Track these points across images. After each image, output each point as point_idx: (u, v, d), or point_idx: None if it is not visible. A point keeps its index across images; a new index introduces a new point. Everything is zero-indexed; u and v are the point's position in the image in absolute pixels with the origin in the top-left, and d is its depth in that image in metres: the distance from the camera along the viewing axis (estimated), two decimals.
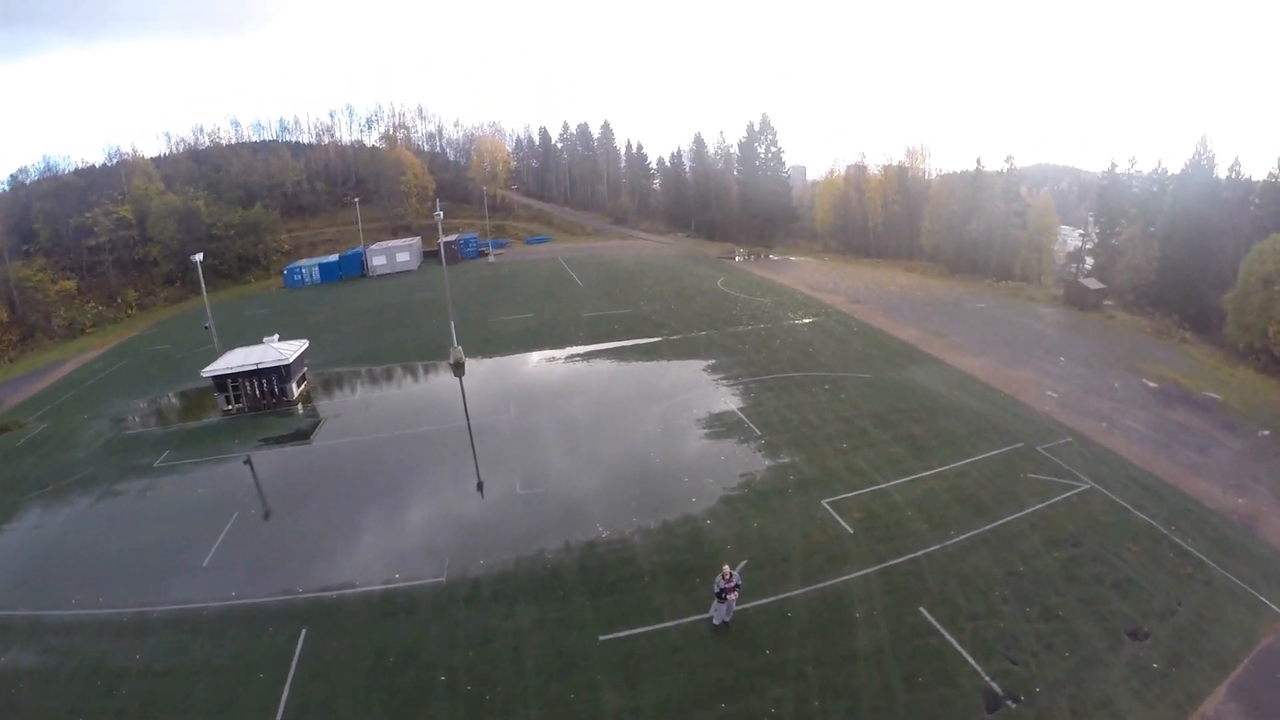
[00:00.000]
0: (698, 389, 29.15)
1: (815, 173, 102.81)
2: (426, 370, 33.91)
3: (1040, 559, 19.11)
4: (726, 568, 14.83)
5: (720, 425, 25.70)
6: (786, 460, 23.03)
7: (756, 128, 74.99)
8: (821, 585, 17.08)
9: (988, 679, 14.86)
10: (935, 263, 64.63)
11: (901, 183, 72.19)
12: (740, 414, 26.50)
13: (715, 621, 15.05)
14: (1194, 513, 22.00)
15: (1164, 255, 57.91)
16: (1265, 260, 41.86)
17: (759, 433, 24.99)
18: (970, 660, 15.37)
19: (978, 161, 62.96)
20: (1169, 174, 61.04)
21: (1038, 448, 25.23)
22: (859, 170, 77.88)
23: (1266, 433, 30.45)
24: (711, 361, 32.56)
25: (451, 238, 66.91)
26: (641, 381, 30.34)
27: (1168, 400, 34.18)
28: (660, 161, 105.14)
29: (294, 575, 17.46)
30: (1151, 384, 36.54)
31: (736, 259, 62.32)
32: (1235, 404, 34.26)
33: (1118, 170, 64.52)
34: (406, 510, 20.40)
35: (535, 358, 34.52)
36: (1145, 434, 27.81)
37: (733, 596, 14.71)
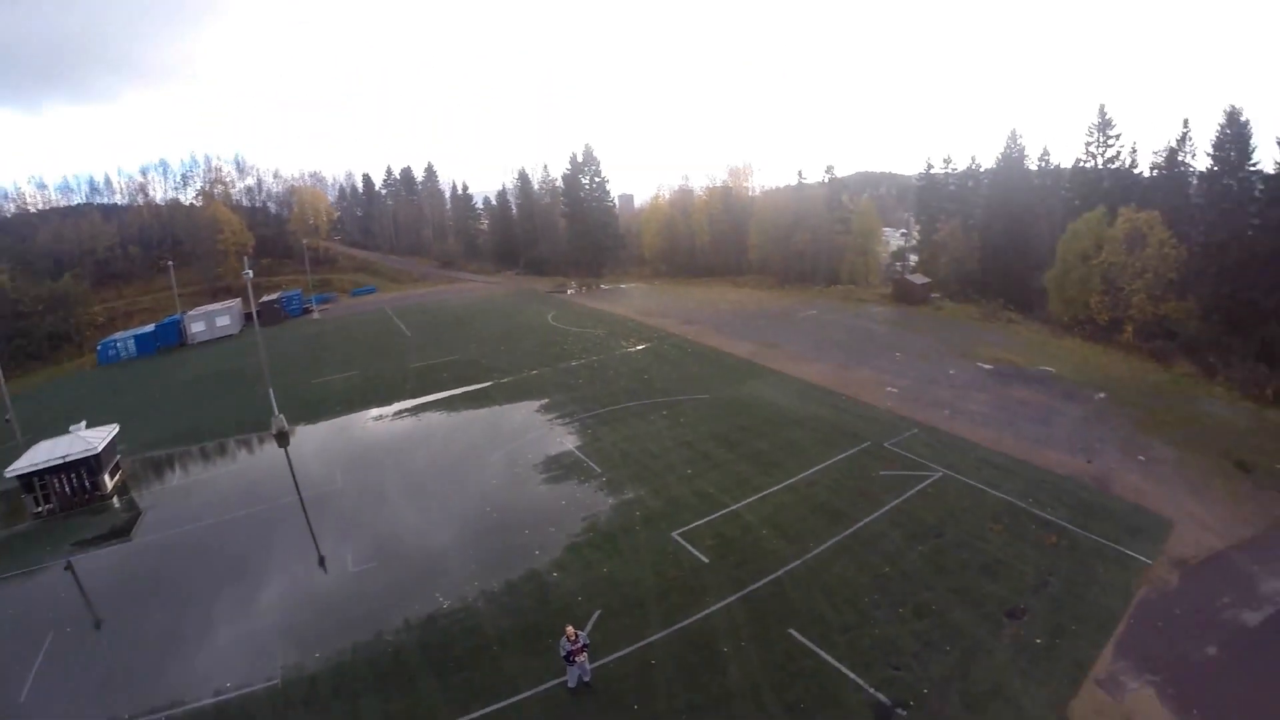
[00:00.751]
0: (533, 432, 44.05)
1: (643, 199, 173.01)
2: (250, 444, 48.37)
3: (905, 556, 30.49)
4: (570, 629, 21.53)
5: (559, 467, 38.98)
6: (630, 495, 35.20)
7: (580, 159, 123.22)
8: (683, 624, 25.21)
9: (872, 691, 22.01)
10: (765, 275, 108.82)
11: (726, 201, 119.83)
12: (578, 453, 40.47)
13: (571, 685, 21.91)
14: (1048, 483, 36.38)
15: (984, 244, 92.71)
16: (1081, 237, 70.88)
17: (599, 470, 38.17)
18: (851, 675, 22.68)
19: (799, 174, 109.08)
20: (983, 169, 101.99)
21: (886, 444, 41.47)
22: (684, 193, 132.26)
23: (1103, 395, 51.33)
24: (545, 401, 49.47)
25: (274, 296, 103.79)
26: (474, 431, 45.51)
27: (1004, 380, 54.38)
28: (486, 200, 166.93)
29: (118, 699, 24.02)
30: (987, 366, 57.40)
31: (569, 292, 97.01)
32: (1069, 374, 56.16)
33: (933, 170, 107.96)
34: (236, 606, 28.90)
35: (363, 418, 50.81)
36: (988, 415, 46.72)
37: (582, 658, 21.49)
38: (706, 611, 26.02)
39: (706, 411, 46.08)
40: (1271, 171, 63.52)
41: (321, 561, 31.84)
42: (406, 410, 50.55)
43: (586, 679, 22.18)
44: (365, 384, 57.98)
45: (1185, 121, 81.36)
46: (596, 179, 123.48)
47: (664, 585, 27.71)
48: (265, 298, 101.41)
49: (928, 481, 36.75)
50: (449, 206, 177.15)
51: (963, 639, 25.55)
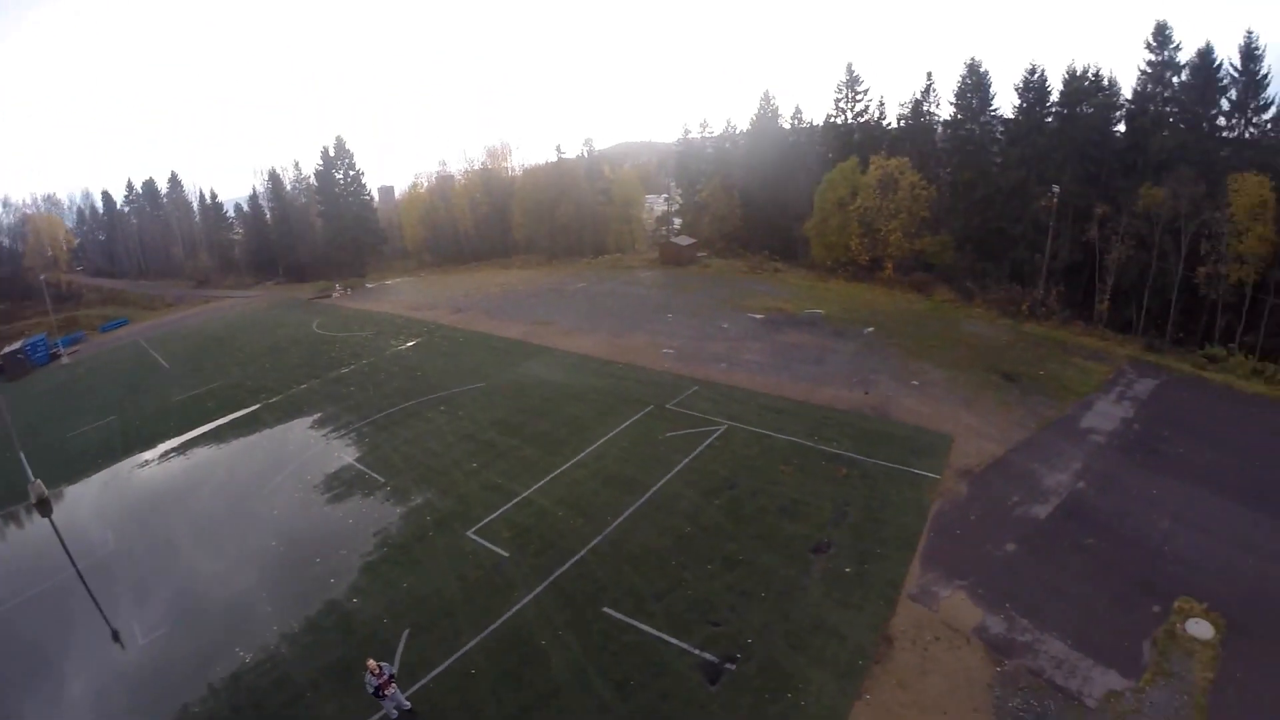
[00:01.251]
0: (309, 451, 42.54)
1: (404, 189, 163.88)
2: (8, 518, 42.73)
3: (704, 512, 31.35)
4: (371, 662, 20.88)
5: (340, 484, 37.70)
6: (419, 500, 34.69)
7: (332, 153, 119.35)
8: (495, 626, 25.14)
9: (698, 652, 22.82)
10: (532, 254, 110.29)
11: (486, 184, 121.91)
12: (359, 465, 39.53)
13: (394, 716, 21.34)
14: (830, 419, 39.25)
15: (745, 201, 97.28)
16: (836, 186, 76.52)
17: (383, 479, 37.40)
18: (674, 641, 23.37)
19: (558, 149, 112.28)
20: (739, 130, 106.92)
21: (668, 405, 42.44)
22: (443, 179, 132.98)
23: (870, 329, 55.08)
24: (318, 415, 48.12)
25: (15, 345, 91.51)
26: (247, 461, 43.43)
27: (776, 327, 57.10)
28: (238, 207, 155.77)
29: None
30: (758, 316, 60.03)
31: (335, 294, 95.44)
32: (837, 314, 59.99)
33: (691, 135, 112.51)
34: (24, 715, 25.54)
35: (128, 467, 46.50)
36: (764, 362, 48.86)
37: (391, 690, 20.90)
38: (517, 607, 26.02)
39: (484, 400, 46.41)
40: (1010, 115, 72.10)
41: (116, 636, 28.91)
42: (173, 450, 47.51)
43: (406, 707, 21.64)
44: (126, 428, 54.09)
45: (929, 74, 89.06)
46: (351, 172, 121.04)
47: (468, 589, 27.47)
48: (6, 349, 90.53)
49: (714, 436, 38.13)
50: (198, 218, 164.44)
51: (775, 582, 26.48)
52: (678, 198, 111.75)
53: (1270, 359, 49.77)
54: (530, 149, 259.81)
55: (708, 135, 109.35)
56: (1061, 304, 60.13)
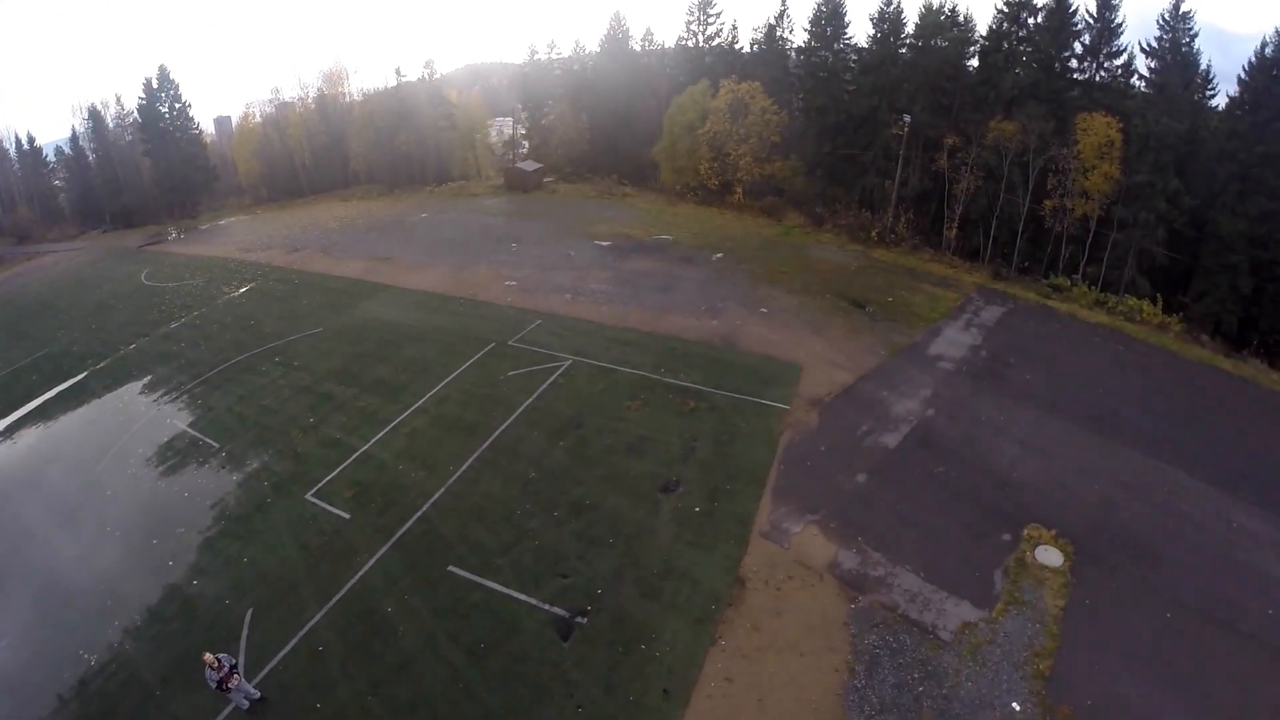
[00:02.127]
0: (138, 421, 39.10)
1: (238, 119, 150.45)
2: None
3: (549, 456, 30.05)
4: (209, 656, 19.64)
5: (174, 454, 34.95)
6: (255, 465, 32.62)
7: (155, 84, 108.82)
8: (340, 595, 23.99)
9: (548, 607, 22.29)
10: (373, 185, 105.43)
11: (323, 112, 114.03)
12: (192, 430, 36.80)
13: (245, 706, 20.35)
14: (677, 350, 38.27)
15: (593, 126, 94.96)
16: (686, 110, 75.11)
17: (217, 445, 34.91)
18: (522, 597, 22.88)
19: (398, 73, 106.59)
20: (589, 52, 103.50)
21: (510, 341, 40.63)
22: (277, 108, 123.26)
23: (719, 255, 54.45)
24: (148, 378, 44.48)
25: None
26: (74, 440, 39.64)
27: (623, 254, 55.74)
28: (59, 150, 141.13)
29: None
30: (604, 243, 58.47)
31: (170, 238, 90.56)
32: (686, 239, 59.11)
33: (538, 56, 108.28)
34: None
35: None
36: (611, 292, 47.55)
37: (235, 681, 19.75)
38: (360, 573, 24.90)
39: (321, 347, 44.01)
40: (863, 45, 72.64)
41: None
42: (1, 435, 42.68)
43: (256, 696, 20.56)
44: None
45: (783, 0, 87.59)
46: (177, 105, 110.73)
47: (310, 558, 26.04)
48: None
49: (558, 372, 36.79)
50: (16, 166, 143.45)
51: (624, 527, 25.78)
52: (524, 123, 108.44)
53: (1111, 290, 52.48)
54: (371, 72, 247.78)
55: (555, 56, 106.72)
56: (911, 231, 61.12)
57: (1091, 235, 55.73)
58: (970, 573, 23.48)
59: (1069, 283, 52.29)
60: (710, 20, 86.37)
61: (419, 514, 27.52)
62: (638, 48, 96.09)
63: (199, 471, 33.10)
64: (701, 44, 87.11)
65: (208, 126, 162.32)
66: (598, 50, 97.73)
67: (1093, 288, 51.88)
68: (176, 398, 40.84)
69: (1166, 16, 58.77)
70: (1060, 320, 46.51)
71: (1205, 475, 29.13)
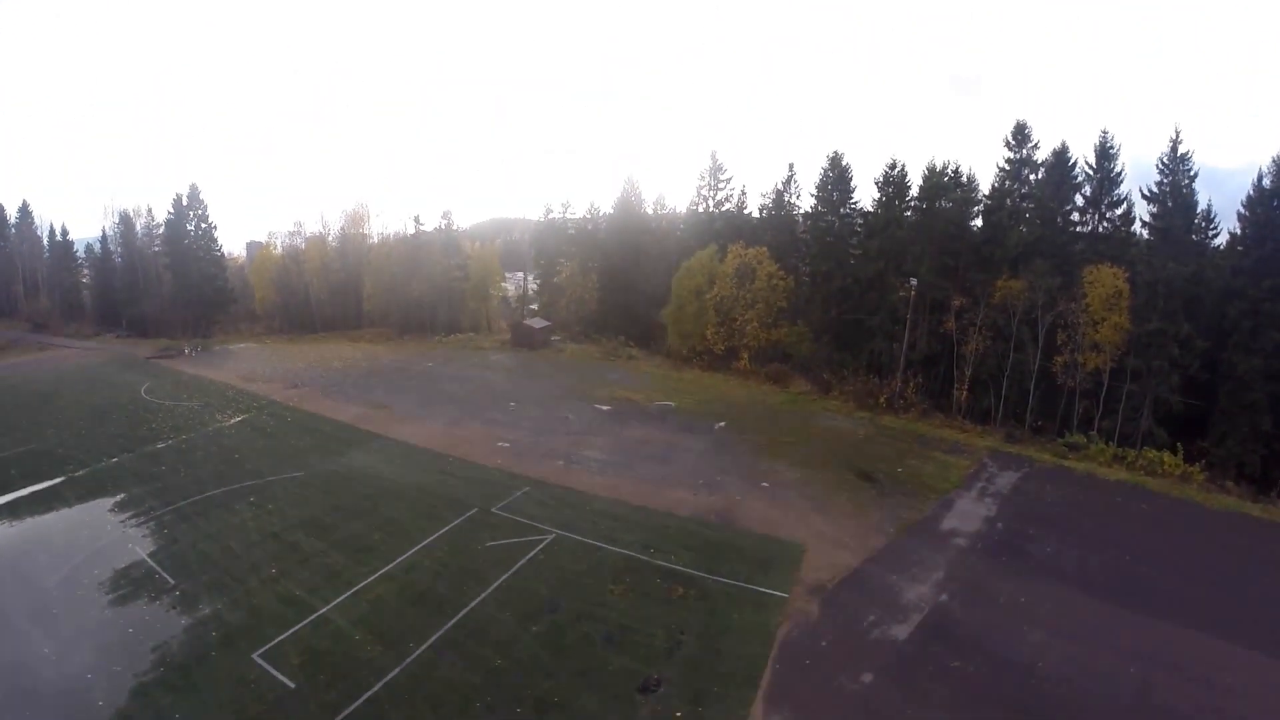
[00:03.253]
0: (102, 539, 37.57)
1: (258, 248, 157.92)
2: None
3: (519, 643, 27.21)
4: None
5: (127, 583, 32.86)
6: (207, 611, 30.20)
7: (184, 201, 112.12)
8: None
9: None
10: (384, 327, 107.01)
11: (342, 250, 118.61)
12: (150, 561, 34.77)
13: None
14: (670, 527, 35.96)
15: (603, 286, 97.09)
16: (694, 274, 76.24)
17: (173, 581, 32.71)
18: None
19: (416, 220, 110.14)
20: (602, 213, 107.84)
21: (494, 509, 38.39)
22: (297, 241, 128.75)
23: (722, 424, 52.57)
24: (121, 496, 43.14)
25: None
26: (34, 547, 38.01)
27: (623, 420, 54.07)
28: (89, 248, 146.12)
29: None
30: (605, 407, 56.98)
31: (187, 351, 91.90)
32: (689, 406, 57.42)
33: (552, 215, 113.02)
34: None
35: None
36: (605, 460, 45.59)
37: None
38: None
39: (298, 492, 42.07)
40: (869, 208, 73.78)
41: None
42: None
43: None
44: None
45: (791, 166, 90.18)
46: (204, 225, 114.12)
47: None
48: None
49: (539, 547, 34.29)
50: (47, 254, 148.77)
51: None
52: (535, 281, 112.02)
53: (1129, 444, 50.60)
54: (395, 214, 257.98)
55: (570, 216, 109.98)
56: (920, 395, 59.48)
57: (1105, 388, 54.43)
58: None
59: (1085, 440, 50.46)
60: (720, 185, 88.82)
61: (369, 694, 24.71)
62: (650, 210, 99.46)
63: (148, 607, 31.01)
64: (711, 209, 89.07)
65: (239, 249, 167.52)
66: (610, 212, 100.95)
67: (1110, 443, 50.05)
68: (144, 522, 39.32)
69: (1165, 160, 59.42)
70: (1079, 481, 44.32)
71: (1248, 640, 26.60)
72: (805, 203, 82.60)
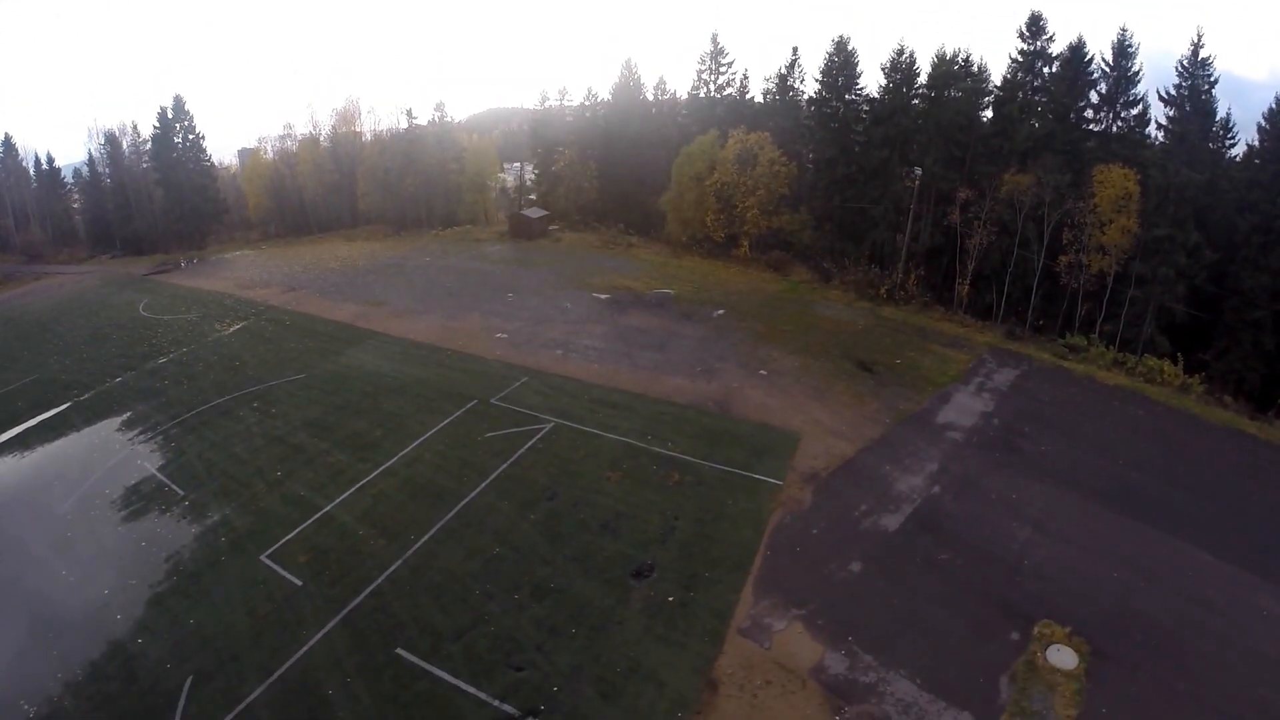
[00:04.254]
0: (112, 458, 38.48)
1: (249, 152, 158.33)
2: None
3: (517, 530, 28.02)
4: None
5: (138, 499, 34.00)
6: (215, 518, 31.39)
7: (170, 114, 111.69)
8: (281, 671, 22.48)
9: (497, 703, 20.48)
10: (380, 225, 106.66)
11: (334, 150, 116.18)
12: (160, 475, 35.84)
13: None
14: (667, 415, 36.56)
15: (602, 174, 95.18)
16: (694, 160, 74.50)
17: (182, 492, 33.93)
18: (470, 689, 21.02)
19: (409, 115, 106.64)
20: (601, 99, 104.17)
21: (493, 400, 38.81)
22: (289, 142, 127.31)
23: (721, 311, 52.63)
24: (128, 415, 43.87)
25: None
26: (47, 474, 38.72)
27: (621, 308, 54.07)
28: (77, 173, 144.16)
29: None
30: (603, 296, 56.92)
31: (182, 265, 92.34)
32: (688, 294, 57.40)
33: (549, 103, 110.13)
34: None
35: None
36: (603, 349, 45.79)
37: None
38: (306, 647, 23.44)
39: (301, 394, 42.74)
40: (875, 95, 71.45)
41: None
42: None
43: None
44: None
45: (795, 50, 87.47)
46: (190, 136, 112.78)
47: (257, 626, 24.76)
48: None
49: (538, 435, 34.82)
50: (34, 184, 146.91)
51: (589, 615, 23.78)
52: (532, 170, 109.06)
53: (1130, 350, 50.48)
54: (387, 110, 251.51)
55: (567, 103, 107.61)
56: (921, 288, 59.32)
57: (1109, 292, 53.87)
58: (973, 679, 21.12)
59: (1086, 342, 50.22)
60: (722, 70, 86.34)
61: (373, 586, 25.80)
62: (650, 96, 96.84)
63: (160, 520, 32.01)
64: (713, 93, 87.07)
65: (230, 158, 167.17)
66: (609, 98, 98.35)
67: (1110, 347, 49.87)
68: (151, 438, 40.00)
69: (1185, 63, 57.70)
70: (1077, 383, 44.34)
71: (1233, 556, 27.02)
72: (810, 88, 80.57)
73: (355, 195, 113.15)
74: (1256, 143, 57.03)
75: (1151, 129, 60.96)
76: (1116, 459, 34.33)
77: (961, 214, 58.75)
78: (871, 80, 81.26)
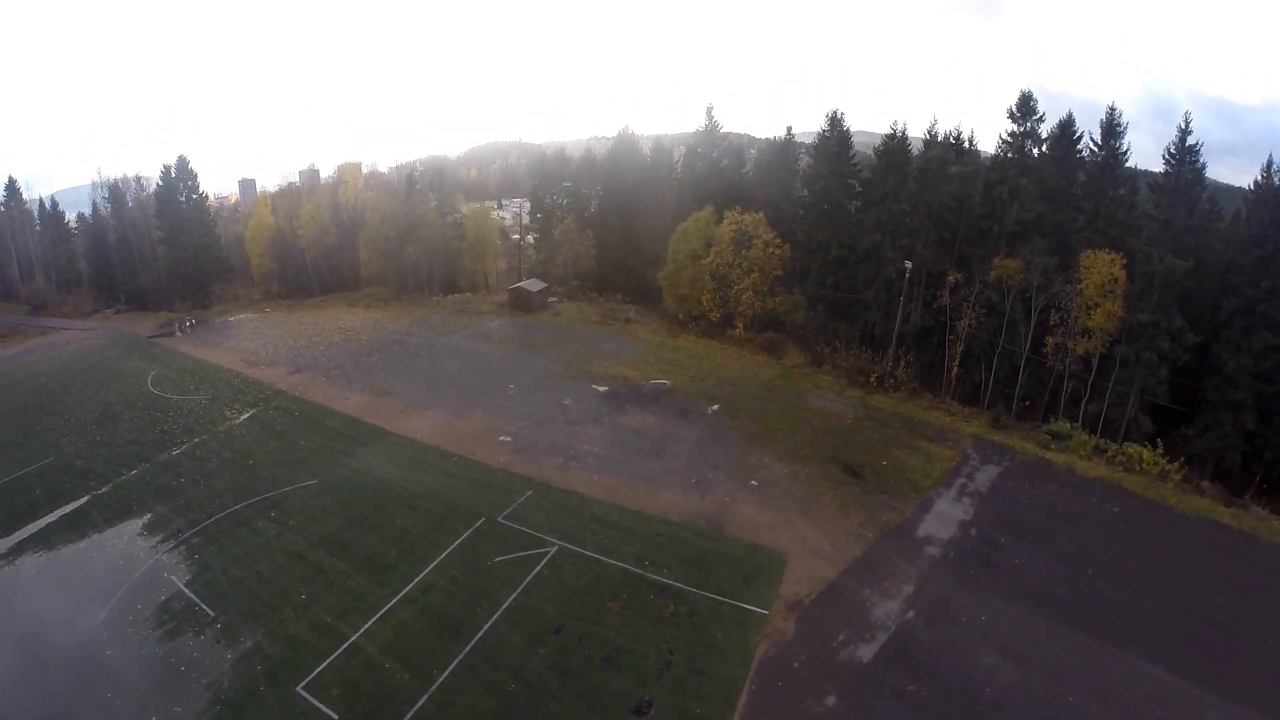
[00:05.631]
0: (139, 568, 40.67)
1: (267, 184, 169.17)
2: None
3: (529, 666, 31.68)
4: None
5: (170, 617, 36.08)
6: (249, 644, 33.61)
7: (173, 173, 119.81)
8: None
9: None
10: (381, 287, 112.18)
11: (335, 211, 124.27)
12: (188, 591, 38.04)
13: None
14: (664, 535, 40.15)
15: (600, 240, 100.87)
16: (690, 238, 79.21)
17: (212, 613, 36.03)
18: None
19: (410, 179, 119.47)
20: (599, 160, 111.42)
21: (500, 518, 42.65)
22: (290, 194, 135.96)
23: (715, 408, 56.82)
24: (148, 517, 46.19)
25: None
26: (77, 579, 40.99)
27: (619, 404, 58.07)
28: (81, 218, 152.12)
29: None
30: (602, 388, 60.97)
31: (178, 332, 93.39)
32: (684, 385, 61.53)
33: (548, 169, 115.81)
34: None
35: None
36: (603, 455, 49.83)
37: None
38: None
39: (316, 504, 45.48)
40: (869, 174, 76.92)
41: None
42: (1, 557, 44.82)
43: None
44: None
45: (789, 129, 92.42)
46: (194, 196, 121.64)
47: None
48: None
49: (544, 561, 38.51)
50: (39, 227, 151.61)
51: None
52: (531, 236, 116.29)
53: (1113, 429, 55.70)
54: (392, 150, 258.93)
55: (565, 166, 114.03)
56: (910, 374, 63.25)
57: (1094, 373, 58.09)
58: None
59: (1069, 427, 54.12)
60: (717, 144, 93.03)
61: None
62: (646, 153, 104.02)
63: (196, 642, 34.66)
64: (708, 168, 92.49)
65: (232, 188, 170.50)
66: (606, 164, 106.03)
67: (1092, 434, 53.68)
68: (175, 547, 42.87)
69: (1173, 150, 61.78)
70: (1057, 478, 48.25)
71: (1187, 670, 30.72)
72: (804, 162, 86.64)
73: (357, 256, 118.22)
74: (1242, 213, 62.24)
75: (1139, 211, 64.59)
76: (1086, 569, 38.29)
77: (951, 296, 63.07)
78: (866, 143, 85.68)
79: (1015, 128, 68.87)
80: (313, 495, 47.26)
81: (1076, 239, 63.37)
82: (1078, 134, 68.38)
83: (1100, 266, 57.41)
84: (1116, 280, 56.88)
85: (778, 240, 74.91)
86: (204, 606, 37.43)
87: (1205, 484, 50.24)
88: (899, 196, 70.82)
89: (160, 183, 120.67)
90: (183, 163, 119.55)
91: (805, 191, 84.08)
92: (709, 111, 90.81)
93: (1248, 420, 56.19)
